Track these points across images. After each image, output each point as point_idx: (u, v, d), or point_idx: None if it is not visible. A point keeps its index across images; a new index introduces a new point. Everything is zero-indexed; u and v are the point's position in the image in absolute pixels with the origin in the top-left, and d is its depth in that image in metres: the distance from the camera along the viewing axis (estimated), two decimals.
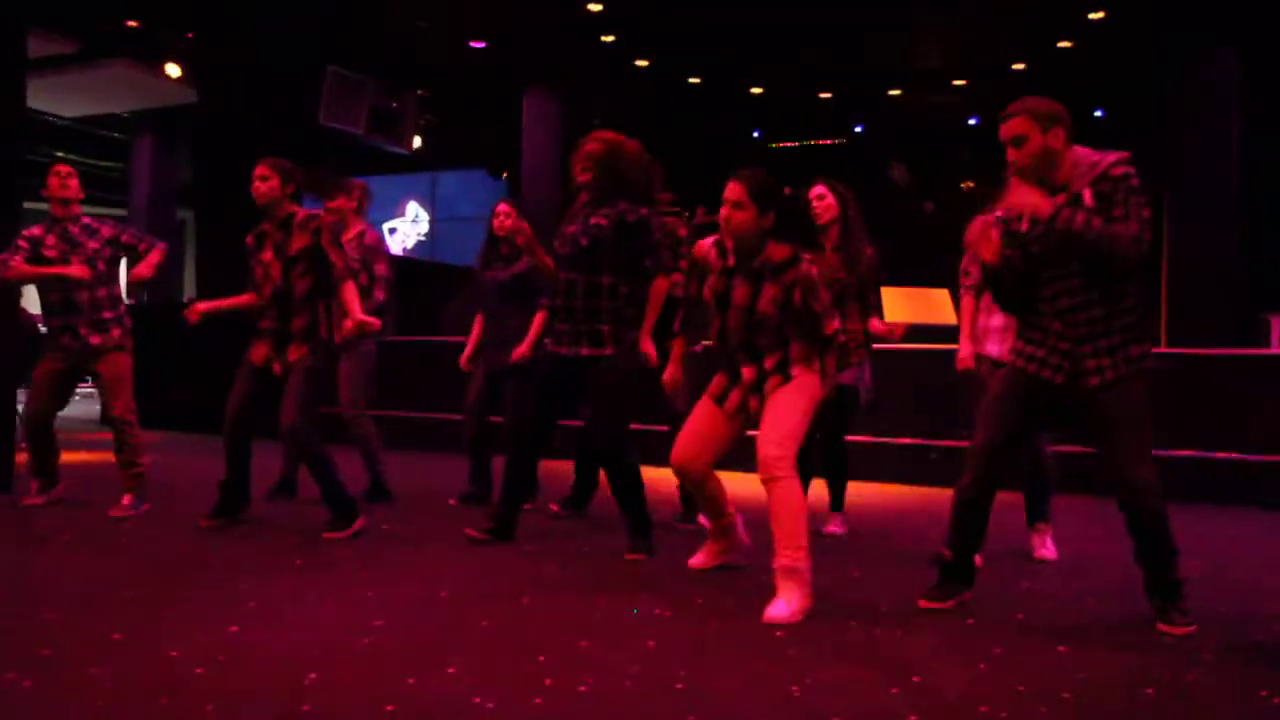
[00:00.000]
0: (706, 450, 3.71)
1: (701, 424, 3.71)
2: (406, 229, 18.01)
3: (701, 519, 3.89)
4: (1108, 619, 3.33)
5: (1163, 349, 8.63)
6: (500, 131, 14.92)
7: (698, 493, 3.85)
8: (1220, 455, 6.20)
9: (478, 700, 2.40)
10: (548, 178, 12.52)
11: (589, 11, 10.59)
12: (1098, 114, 13.04)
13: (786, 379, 3.52)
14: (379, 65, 12.58)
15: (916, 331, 6.77)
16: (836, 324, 3.60)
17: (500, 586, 3.59)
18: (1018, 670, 2.72)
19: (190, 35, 11.85)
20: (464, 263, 15.68)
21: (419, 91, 13.67)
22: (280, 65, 12.08)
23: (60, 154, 16.62)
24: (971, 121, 13.87)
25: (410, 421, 8.34)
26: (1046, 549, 4.39)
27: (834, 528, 4.88)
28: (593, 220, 4.19)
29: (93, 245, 5.07)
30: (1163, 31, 10.18)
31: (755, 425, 3.58)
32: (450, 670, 2.61)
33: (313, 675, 2.54)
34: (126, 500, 5.03)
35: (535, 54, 12.14)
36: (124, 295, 5.17)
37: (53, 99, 13.66)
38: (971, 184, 13.77)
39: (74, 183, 5.08)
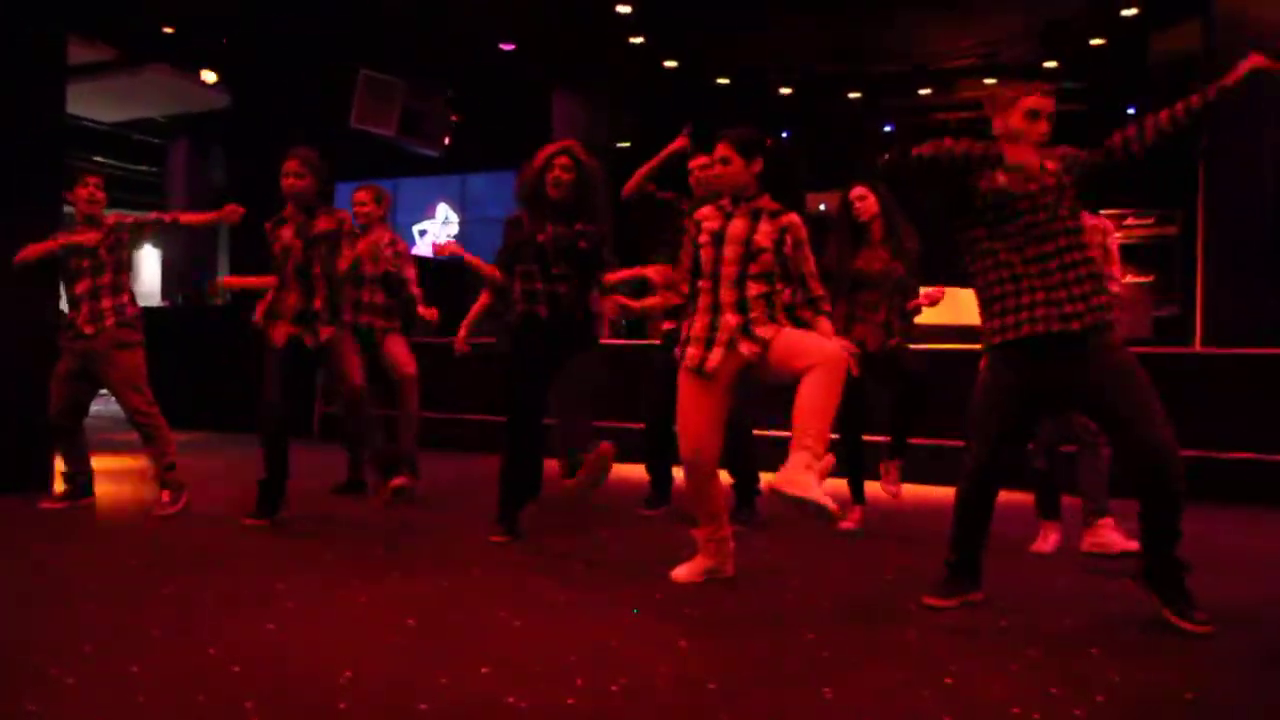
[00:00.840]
0: (713, 433, 3.67)
1: (693, 405, 3.66)
2: (437, 230, 18.11)
3: (694, 532, 3.80)
4: (1141, 621, 3.28)
5: (1198, 349, 8.53)
6: (530, 133, 14.99)
7: (700, 498, 3.74)
8: (1259, 457, 6.11)
9: (510, 699, 2.41)
10: None
11: (617, 13, 10.62)
12: (1130, 111, 12.90)
13: (779, 325, 3.58)
14: (410, 68, 12.67)
15: (943, 332, 6.73)
16: (824, 292, 3.74)
17: (530, 586, 3.61)
18: (1051, 673, 2.70)
19: (224, 40, 12.00)
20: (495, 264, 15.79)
21: (449, 93, 13.76)
22: (312, 69, 12.21)
23: (99, 158, 16.88)
24: None
25: (440, 422, 8.37)
26: (1046, 544, 4.47)
27: (848, 524, 4.92)
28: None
29: (93, 236, 5.02)
30: (1197, 25, 10.05)
31: (748, 383, 3.67)
32: (483, 669, 2.63)
33: (347, 673, 2.57)
34: (165, 497, 5.08)
35: (564, 55, 12.18)
36: (128, 289, 5.12)
37: (91, 104, 13.89)
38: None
39: (102, 194, 5.12)
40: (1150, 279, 12.78)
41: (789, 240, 3.65)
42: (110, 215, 5.16)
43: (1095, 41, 11.10)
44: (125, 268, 5.14)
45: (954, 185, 3.36)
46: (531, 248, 4.45)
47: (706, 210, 3.78)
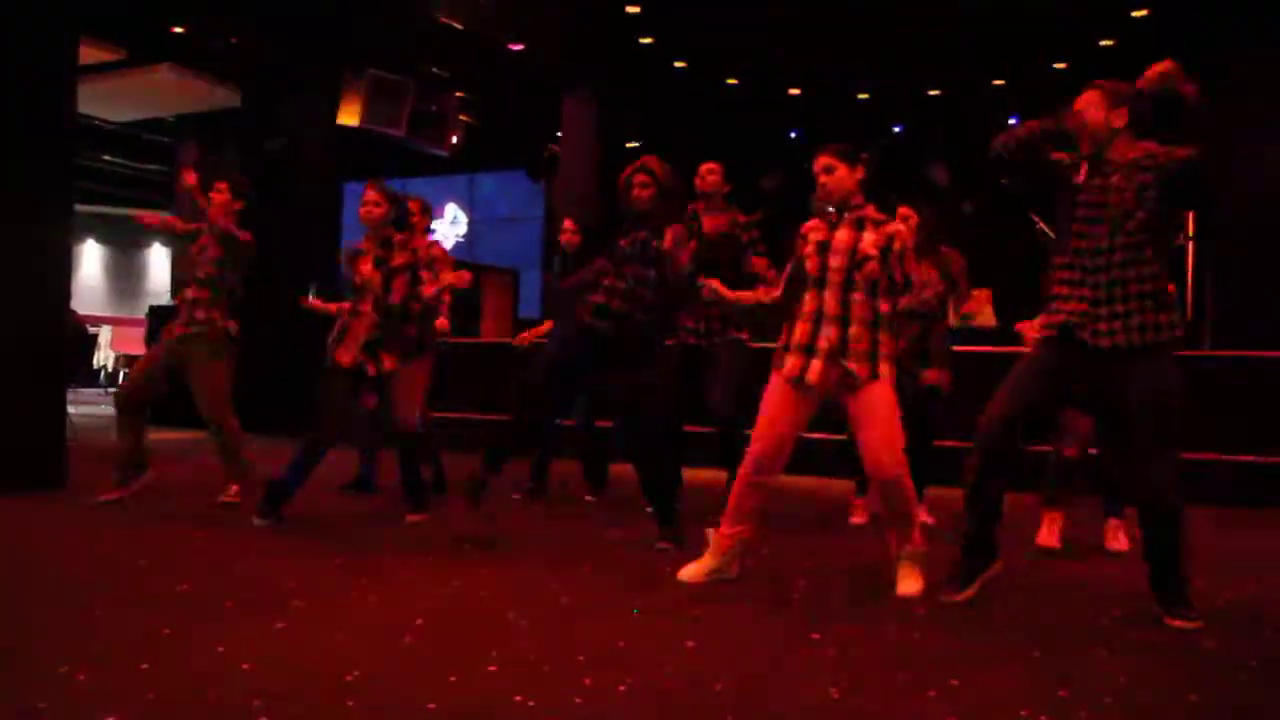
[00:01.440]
0: (783, 453, 3.74)
1: (778, 415, 3.72)
2: (445, 230, 18.15)
3: (715, 531, 3.84)
4: (1149, 622, 3.29)
5: (1208, 351, 8.50)
6: (539, 133, 15.02)
7: (741, 499, 3.79)
8: (1267, 460, 6.10)
9: (518, 699, 2.42)
10: (585, 179, 12.57)
11: (627, 13, 10.63)
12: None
13: (874, 373, 3.64)
14: (419, 68, 12.70)
15: (956, 334, 6.73)
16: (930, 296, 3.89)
17: (538, 585, 3.62)
18: (1057, 674, 2.71)
19: (233, 40, 12.03)
20: (503, 264, 15.82)
21: (458, 93, 13.79)
22: (322, 68, 12.23)
23: (109, 158, 16.96)
24: (1011, 121, 13.74)
25: (452, 422, 8.39)
26: (1118, 542, 4.67)
27: (858, 518, 5.19)
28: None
29: (211, 252, 5.37)
30: (1208, 28, 10.02)
31: (830, 400, 3.74)
32: (491, 669, 2.64)
33: (356, 672, 2.58)
34: (234, 489, 5.38)
35: (574, 56, 12.19)
36: (231, 293, 5.42)
37: (101, 104, 13.93)
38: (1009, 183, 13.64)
39: (219, 198, 5.41)
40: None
41: (896, 244, 3.68)
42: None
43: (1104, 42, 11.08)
44: (224, 283, 5.41)
45: (1037, 167, 3.44)
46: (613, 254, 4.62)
47: (813, 222, 3.84)
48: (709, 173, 5.48)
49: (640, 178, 4.55)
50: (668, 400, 4.79)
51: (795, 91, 13.40)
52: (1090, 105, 3.37)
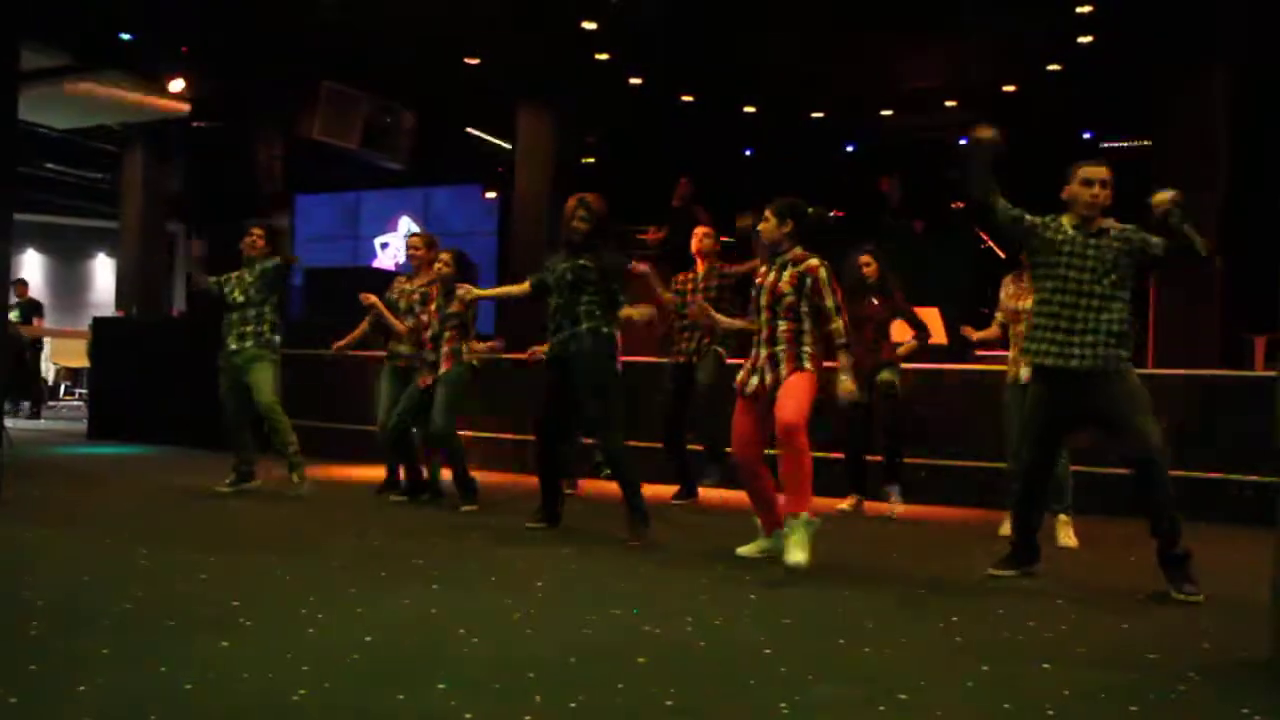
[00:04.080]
0: (754, 442, 4.58)
1: (741, 424, 4.59)
2: (399, 244, 18.05)
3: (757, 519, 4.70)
4: (1092, 636, 3.35)
5: (1150, 369, 8.70)
6: (493, 148, 14.98)
7: (750, 492, 4.65)
8: (1208, 476, 6.25)
9: (467, 716, 2.40)
10: (540, 194, 12.55)
11: (583, 29, 10.65)
12: (1086, 136, 13.14)
13: (800, 366, 4.40)
14: (373, 80, 12.61)
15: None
16: (841, 325, 4.45)
17: (491, 602, 3.60)
18: (1003, 688, 2.74)
19: (184, 49, 11.87)
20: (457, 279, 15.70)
21: (412, 107, 13.71)
22: (274, 79, 12.11)
23: (51, 165, 16.61)
24: (962, 142, 13.96)
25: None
26: (1069, 539, 5.27)
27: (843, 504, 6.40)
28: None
29: (249, 276, 6.37)
30: (1149, 55, 10.27)
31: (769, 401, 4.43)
32: (440, 686, 2.62)
33: (302, 691, 2.54)
34: (298, 479, 6.24)
35: (529, 71, 12.19)
36: (273, 319, 6.35)
37: (44, 111, 13.64)
38: (961, 205, 13.85)
39: (260, 242, 6.45)
40: None
41: (809, 282, 4.46)
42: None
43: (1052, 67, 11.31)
44: (268, 304, 6.39)
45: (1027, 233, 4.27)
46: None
47: (762, 266, 4.75)
48: (705, 236, 6.61)
49: (580, 211, 5.19)
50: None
51: (750, 109, 13.51)
52: (1109, 181, 4.16)
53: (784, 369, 4.40)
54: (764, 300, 4.52)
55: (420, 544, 4.77)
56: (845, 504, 6.40)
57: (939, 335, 7.21)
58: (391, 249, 18.10)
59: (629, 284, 5.45)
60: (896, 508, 6.23)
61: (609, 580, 4.06)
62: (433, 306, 6.24)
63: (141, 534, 4.84)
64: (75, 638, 3.01)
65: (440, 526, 5.45)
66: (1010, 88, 11.93)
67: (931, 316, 7.31)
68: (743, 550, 4.67)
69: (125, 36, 11.39)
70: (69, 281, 22.16)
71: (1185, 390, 6.56)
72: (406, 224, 17.94)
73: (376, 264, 17.36)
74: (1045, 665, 2.97)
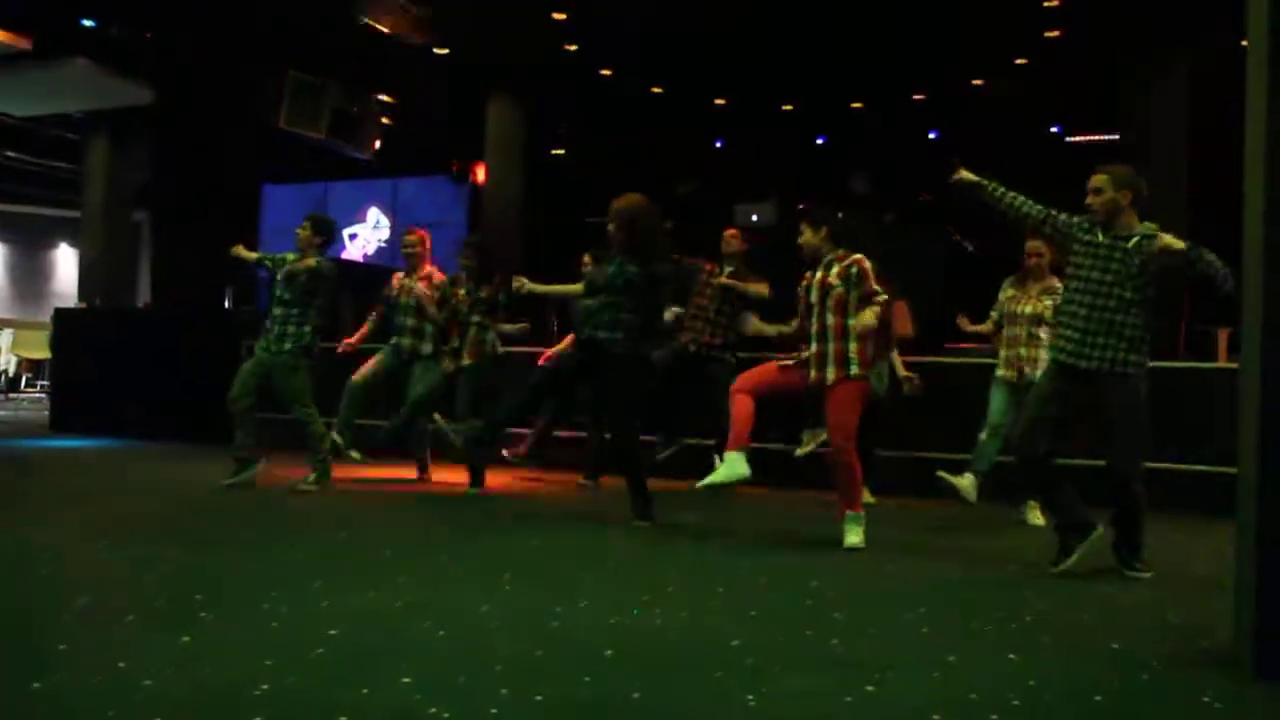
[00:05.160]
0: (762, 393, 4.92)
1: (768, 375, 4.98)
2: (367, 235, 17.90)
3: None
4: (1057, 627, 3.38)
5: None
6: (463, 138, 14.88)
7: (739, 418, 4.86)
8: (1172, 467, 6.32)
9: (432, 710, 2.38)
10: (509, 184, 12.49)
11: (553, 20, 10.60)
12: (1054, 129, 13.26)
13: (848, 373, 4.75)
14: (340, 69, 12.49)
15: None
16: (880, 295, 4.78)
17: (457, 595, 3.57)
18: (970, 678, 2.75)
19: (147, 35, 11.69)
20: None
21: (380, 96, 13.59)
22: (239, 67, 11.95)
23: (12, 154, 16.33)
24: (931, 135, 14.04)
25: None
26: (1036, 518, 5.69)
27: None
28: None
29: (299, 272, 6.26)
30: (1114, 50, 10.38)
31: (809, 387, 4.86)
32: (405, 680, 2.59)
33: (265, 685, 2.51)
34: (312, 478, 6.21)
35: (499, 61, 12.11)
36: (308, 323, 6.26)
37: (4, 98, 13.41)
38: (929, 197, 13.94)
39: (306, 235, 6.32)
40: None
41: (854, 272, 4.82)
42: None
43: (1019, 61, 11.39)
44: (304, 306, 6.29)
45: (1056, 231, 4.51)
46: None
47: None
48: (732, 237, 6.92)
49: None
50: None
51: (720, 101, 13.51)
52: (1104, 186, 4.27)
53: (831, 371, 4.77)
54: (814, 297, 4.88)
55: (387, 537, 4.73)
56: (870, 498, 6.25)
57: (907, 328, 7.23)
58: (360, 240, 17.95)
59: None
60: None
61: (577, 573, 4.05)
62: (461, 292, 6.69)
63: (101, 527, 4.77)
64: (30, 634, 2.95)
65: (407, 519, 5.42)
66: (978, 82, 12.01)
67: (900, 309, 7.33)
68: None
69: (87, 23, 11.19)
70: (30, 271, 21.81)
71: (1149, 381, 6.62)
72: (375, 215, 17.80)
73: (345, 255, 17.22)
74: (1011, 656, 2.98)
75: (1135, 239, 4.24)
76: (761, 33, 10.80)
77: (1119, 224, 4.28)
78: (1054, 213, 4.48)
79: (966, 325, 6.19)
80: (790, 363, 4.95)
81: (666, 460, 6.82)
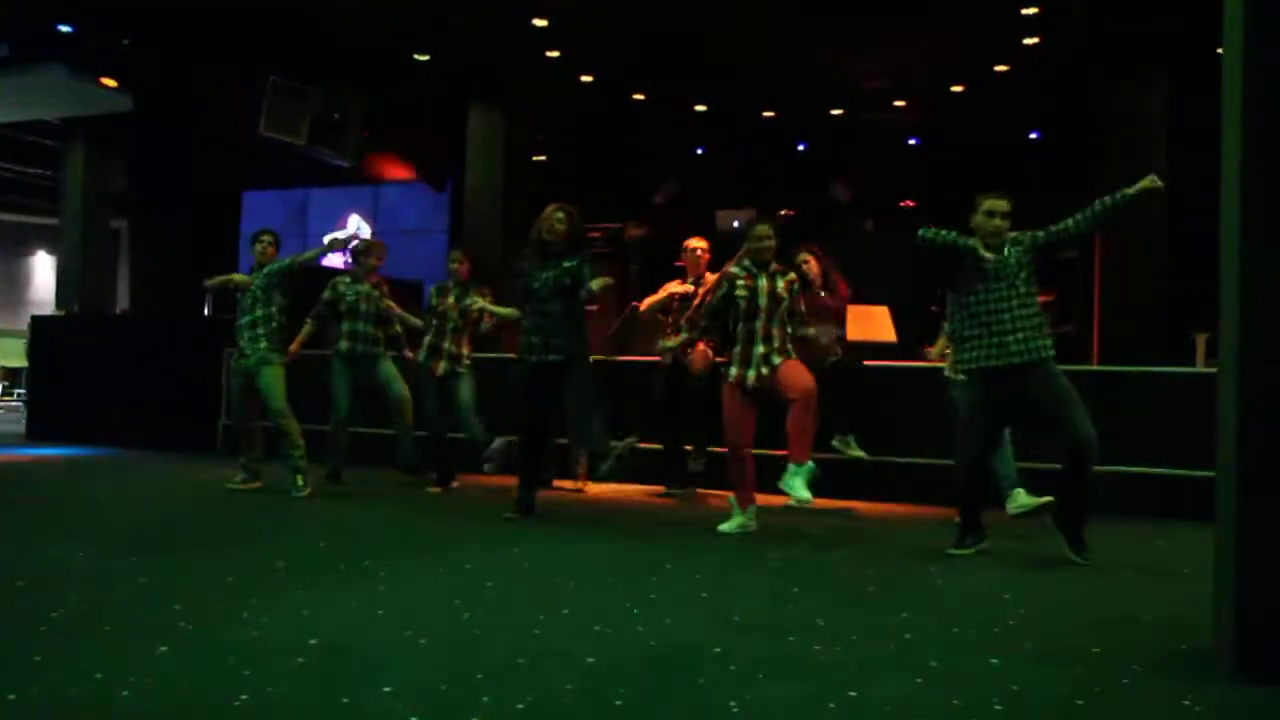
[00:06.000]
0: (748, 432, 5.31)
1: (737, 413, 5.29)
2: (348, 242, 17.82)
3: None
4: (1038, 632, 3.39)
5: (1094, 365, 8.85)
6: (444, 145, 14.84)
7: (741, 473, 5.32)
8: (1149, 470, 6.36)
9: (414, 718, 2.36)
10: (491, 191, 12.46)
11: (534, 26, 10.59)
12: (1033, 136, 13.34)
13: (789, 355, 5.29)
14: (321, 76, 12.43)
15: (857, 348, 6.89)
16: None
17: (439, 603, 3.55)
18: (952, 683, 2.76)
19: (125, 42, 11.60)
20: (407, 276, 15.59)
21: (361, 103, 13.53)
22: (219, 74, 11.88)
23: None
24: (911, 142, 14.10)
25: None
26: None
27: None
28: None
29: (256, 280, 6.55)
30: (1093, 56, 10.45)
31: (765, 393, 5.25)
32: (386, 689, 2.57)
33: (244, 696, 2.48)
34: (301, 482, 6.31)
35: (480, 67, 12.09)
36: (281, 320, 6.53)
37: None
38: (911, 203, 13.99)
39: (271, 250, 6.63)
40: (1052, 297, 13.23)
41: (796, 288, 5.47)
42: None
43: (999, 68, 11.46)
44: (274, 305, 6.55)
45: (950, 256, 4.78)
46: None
47: (731, 270, 5.46)
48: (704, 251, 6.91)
49: (559, 214, 5.54)
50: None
51: (701, 108, 13.53)
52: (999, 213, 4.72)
53: (778, 359, 5.26)
54: (763, 303, 5.30)
55: (368, 545, 4.71)
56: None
57: (888, 333, 7.26)
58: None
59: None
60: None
61: (559, 581, 4.03)
62: (450, 300, 6.92)
63: (78, 536, 4.72)
64: (5, 644, 2.91)
65: (388, 527, 5.39)
66: (958, 88, 12.08)
67: (881, 315, 7.36)
68: (724, 527, 5.30)
69: (65, 29, 11.10)
70: (7, 279, 21.61)
71: (1127, 386, 6.67)
72: (356, 221, 17.73)
73: (326, 262, 17.13)
74: (993, 660, 2.99)
75: (1007, 242, 4.72)
76: (741, 38, 10.82)
77: (1003, 237, 4.74)
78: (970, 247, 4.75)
79: (932, 353, 6.44)
80: (744, 378, 5.27)
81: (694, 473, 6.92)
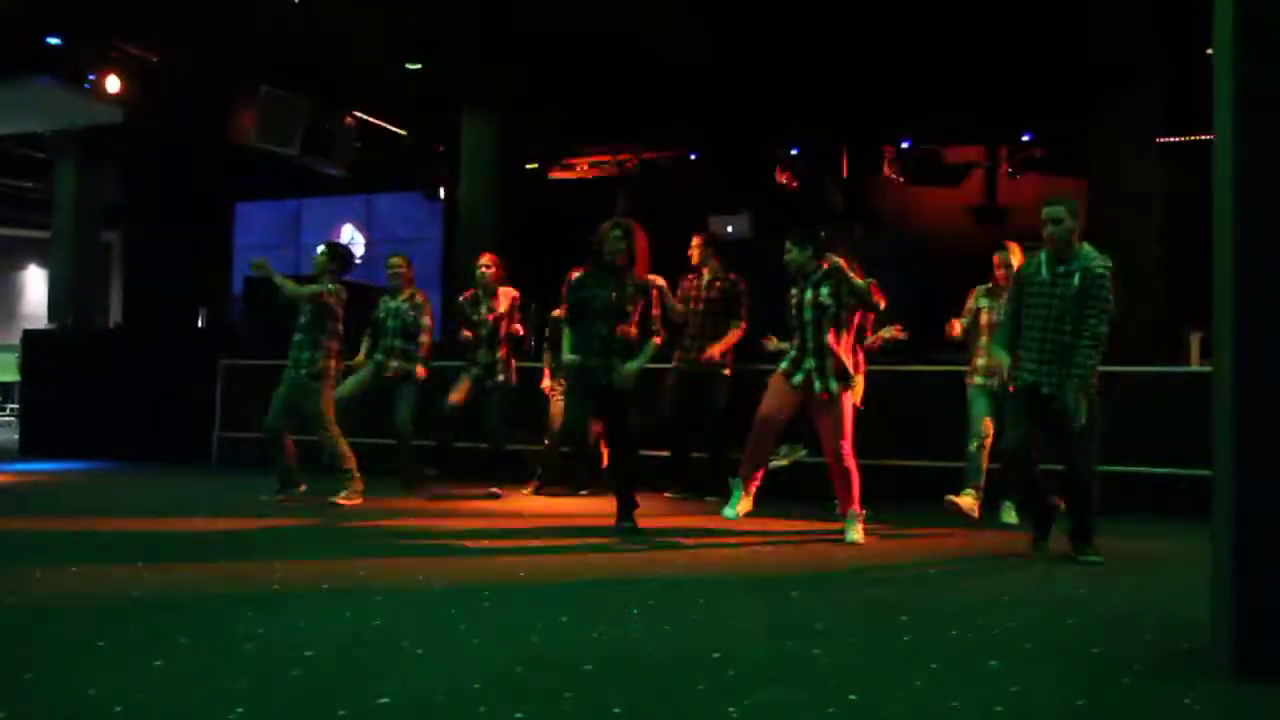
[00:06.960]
0: (777, 419, 5.40)
1: (777, 394, 5.37)
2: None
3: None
4: (1038, 634, 3.38)
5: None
6: (438, 154, 14.84)
7: (761, 449, 5.44)
8: (1144, 470, 6.36)
9: None
10: (485, 200, 12.45)
11: (526, 33, 10.60)
12: (1025, 138, 13.36)
13: (844, 383, 5.28)
14: (313, 86, 12.41)
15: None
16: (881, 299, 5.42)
17: (436, 613, 3.53)
18: (952, 686, 2.75)
19: (114, 55, 11.57)
20: None
21: (354, 113, 13.52)
22: (211, 85, 11.85)
23: None
24: (904, 145, 14.11)
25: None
26: (1010, 517, 5.99)
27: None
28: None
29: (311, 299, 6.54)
30: (1087, 57, 10.48)
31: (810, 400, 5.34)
32: (382, 700, 2.55)
33: (240, 709, 2.46)
34: (341, 495, 6.34)
35: (473, 76, 12.08)
36: (320, 348, 6.49)
37: None
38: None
39: (324, 259, 6.71)
40: None
41: (843, 289, 5.37)
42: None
43: None
44: (322, 330, 6.53)
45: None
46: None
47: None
48: (696, 246, 7.06)
49: (616, 233, 5.44)
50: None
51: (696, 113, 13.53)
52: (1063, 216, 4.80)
53: (834, 383, 5.26)
54: (808, 315, 5.31)
55: (364, 555, 4.68)
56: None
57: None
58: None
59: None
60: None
61: (556, 589, 4.02)
62: (482, 309, 6.91)
63: (72, 551, 4.69)
64: None
65: (383, 538, 5.37)
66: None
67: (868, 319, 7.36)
68: (728, 511, 5.50)
69: (53, 40, 11.07)
70: None
71: (1122, 385, 6.66)
72: (350, 231, 17.71)
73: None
74: (993, 663, 2.98)
75: (1071, 269, 4.83)
76: (733, 45, 10.83)
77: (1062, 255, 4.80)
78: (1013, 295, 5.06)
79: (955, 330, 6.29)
80: (792, 375, 5.34)
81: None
